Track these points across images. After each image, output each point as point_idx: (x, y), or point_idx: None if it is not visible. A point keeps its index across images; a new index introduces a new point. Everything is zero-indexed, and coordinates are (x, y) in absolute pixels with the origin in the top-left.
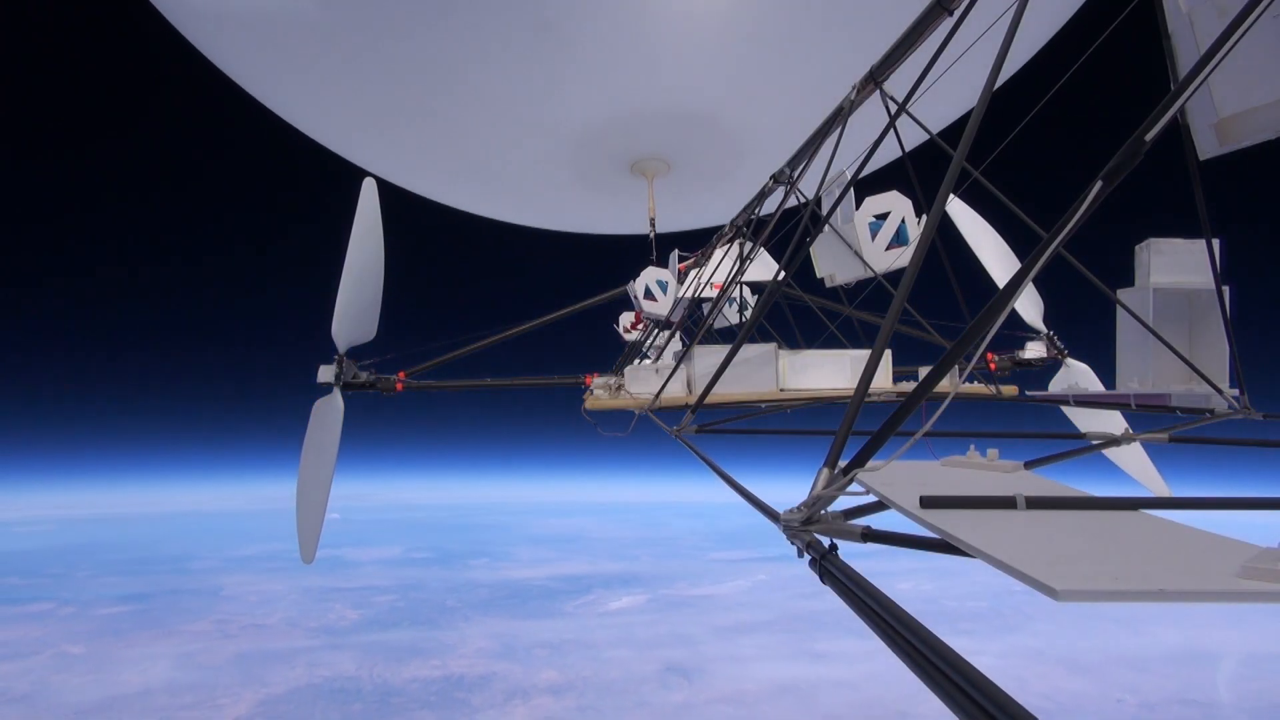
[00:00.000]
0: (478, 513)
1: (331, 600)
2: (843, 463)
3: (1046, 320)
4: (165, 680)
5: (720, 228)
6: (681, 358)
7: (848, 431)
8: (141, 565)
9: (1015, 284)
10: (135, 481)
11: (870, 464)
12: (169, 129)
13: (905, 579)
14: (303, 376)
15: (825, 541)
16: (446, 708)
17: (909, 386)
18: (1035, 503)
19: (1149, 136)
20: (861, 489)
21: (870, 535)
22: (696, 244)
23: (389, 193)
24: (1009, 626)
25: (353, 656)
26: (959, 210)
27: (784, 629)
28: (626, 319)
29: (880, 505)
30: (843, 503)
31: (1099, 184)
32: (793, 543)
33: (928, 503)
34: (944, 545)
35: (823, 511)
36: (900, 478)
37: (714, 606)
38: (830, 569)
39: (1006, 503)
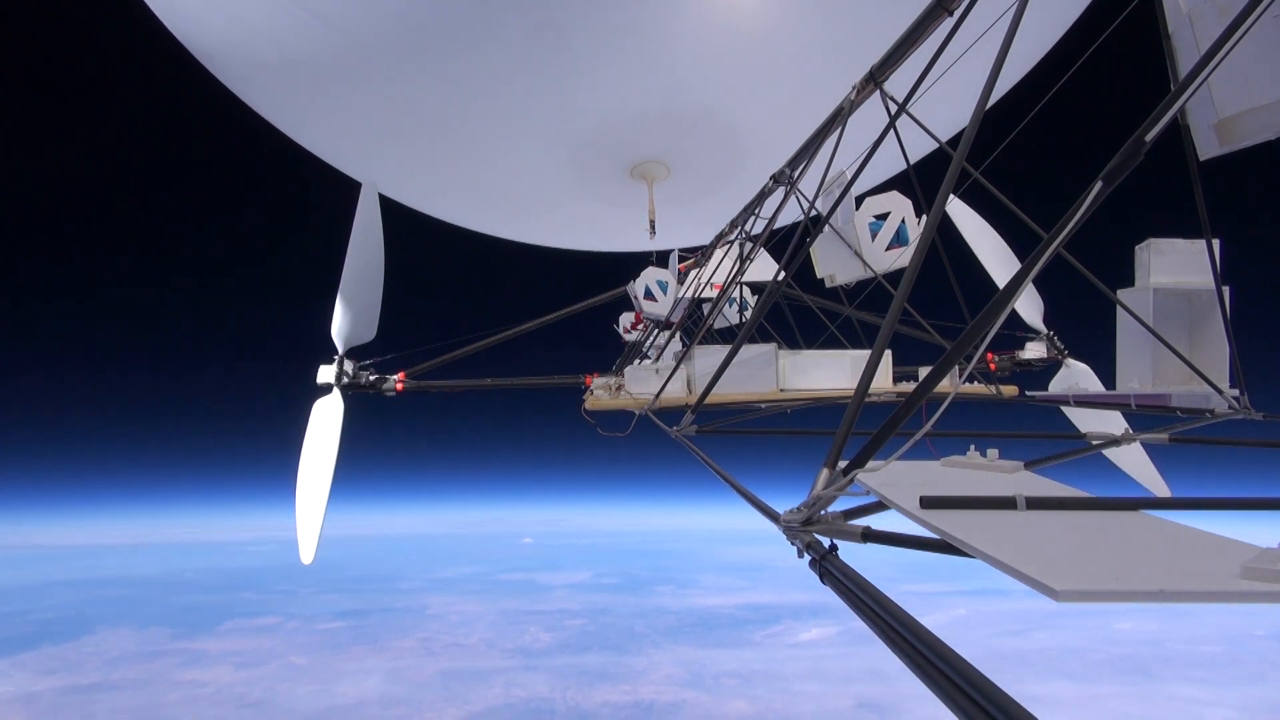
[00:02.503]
0: (664, 539)
1: (526, 623)
2: (843, 463)
3: (1046, 320)
4: (377, 693)
5: (719, 225)
6: (681, 358)
7: (848, 432)
8: (356, 584)
9: (1015, 284)
10: (352, 507)
11: (870, 464)
12: (172, 139)
13: (1128, 617)
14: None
15: (825, 542)
16: None
17: (909, 386)
18: (1035, 503)
19: (1149, 137)
20: (861, 489)
21: (870, 535)
22: (697, 248)
23: (388, 206)
24: (1250, 675)
25: (546, 679)
26: (959, 211)
27: (989, 669)
28: (626, 319)
29: (880, 505)
30: (843, 503)
31: (1099, 184)
32: (792, 543)
33: (928, 503)
34: (944, 546)
35: (823, 512)
36: (900, 478)
37: None
38: (830, 569)
39: (1007, 503)
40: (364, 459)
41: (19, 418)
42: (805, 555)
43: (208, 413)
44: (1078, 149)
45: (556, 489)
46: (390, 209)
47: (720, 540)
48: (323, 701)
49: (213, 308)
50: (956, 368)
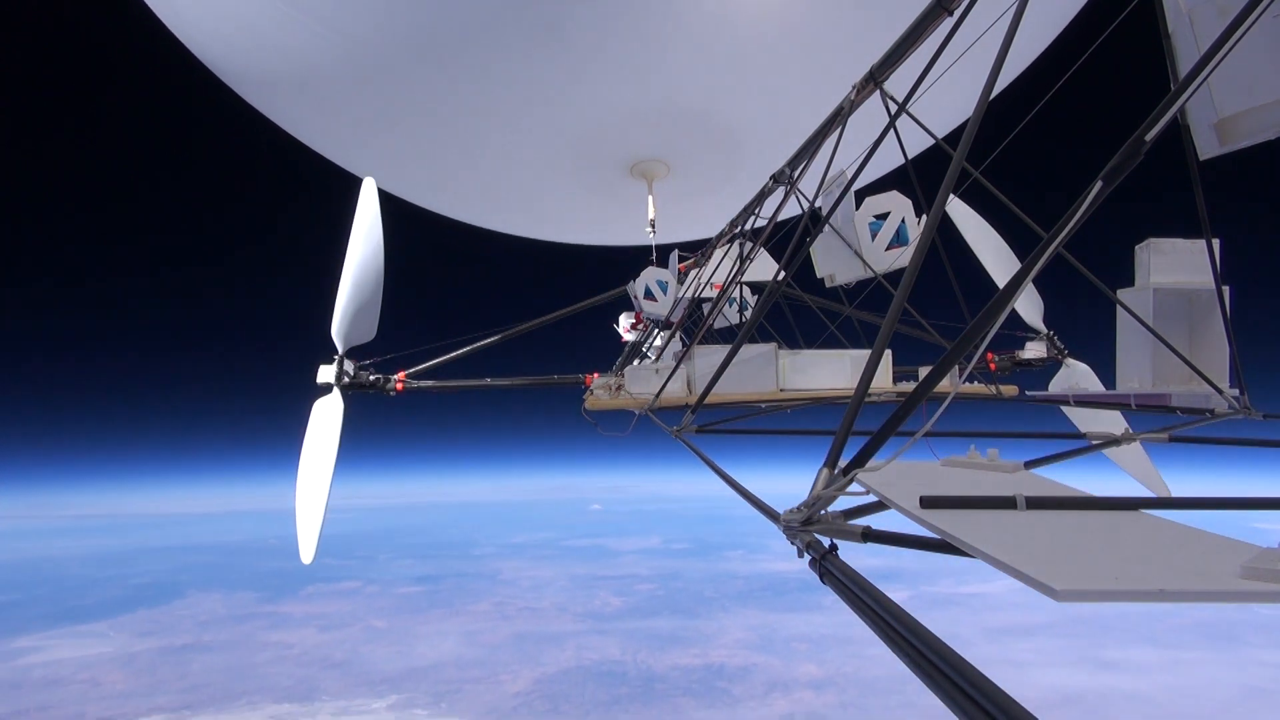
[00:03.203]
0: (732, 505)
1: (596, 587)
2: (843, 463)
3: (1046, 320)
4: (454, 655)
5: (719, 225)
6: (681, 358)
7: (848, 431)
8: (432, 550)
9: (1015, 284)
10: (426, 475)
11: (870, 464)
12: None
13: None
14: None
15: (825, 541)
16: (708, 696)
17: (909, 386)
18: (1035, 503)
19: (1149, 136)
20: (861, 489)
21: (870, 535)
22: (696, 247)
23: (388, 202)
24: None
25: (617, 642)
26: (959, 210)
27: (1065, 633)
28: (626, 319)
29: (880, 505)
30: (843, 503)
31: (1099, 184)
32: (793, 543)
33: (928, 503)
34: (944, 545)
35: (823, 511)
36: (900, 477)
37: (983, 606)
38: (830, 569)
39: (1007, 503)
40: (434, 428)
41: (118, 396)
42: (805, 555)
43: (284, 387)
44: (1078, 146)
45: (623, 456)
46: (390, 210)
47: (791, 504)
48: (402, 663)
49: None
50: (956, 368)
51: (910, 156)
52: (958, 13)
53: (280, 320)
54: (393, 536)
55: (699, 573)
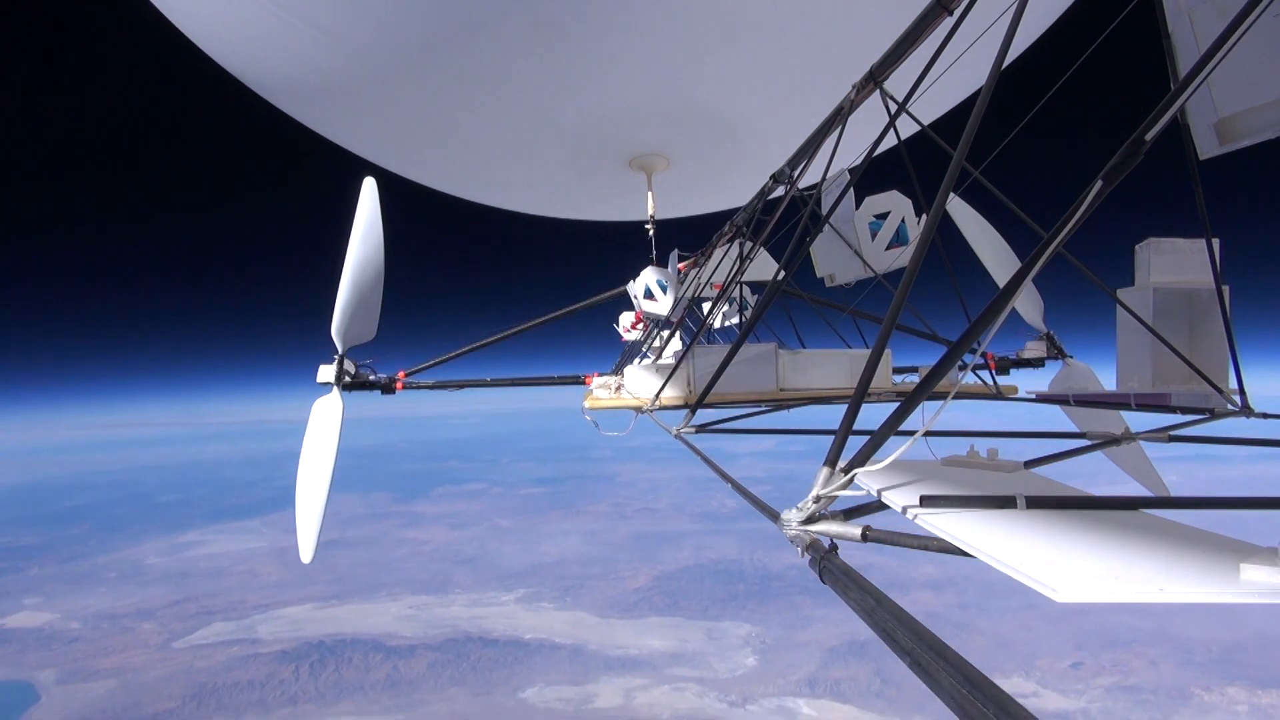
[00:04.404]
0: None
1: (711, 490)
2: (843, 462)
3: (1046, 320)
4: (576, 553)
5: (719, 223)
6: (681, 358)
7: (848, 431)
8: (552, 453)
9: (1015, 284)
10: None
11: (870, 463)
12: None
13: None
14: None
15: (825, 541)
16: (823, 595)
17: (908, 385)
18: (1035, 502)
19: (1149, 136)
20: (861, 489)
21: (870, 535)
22: (696, 239)
23: (387, 183)
24: None
25: (733, 542)
26: (959, 209)
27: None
28: (626, 319)
29: (881, 505)
30: (843, 502)
31: (1099, 184)
32: (793, 543)
33: (928, 502)
34: (944, 545)
35: (823, 511)
36: (900, 476)
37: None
38: (831, 569)
39: (1007, 502)
40: (551, 330)
41: (265, 310)
42: (806, 555)
43: (403, 293)
44: (1077, 139)
45: None
46: (390, 215)
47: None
48: (527, 560)
49: None
50: (956, 367)
51: (910, 154)
52: (958, 12)
53: None
54: (515, 440)
55: (813, 474)
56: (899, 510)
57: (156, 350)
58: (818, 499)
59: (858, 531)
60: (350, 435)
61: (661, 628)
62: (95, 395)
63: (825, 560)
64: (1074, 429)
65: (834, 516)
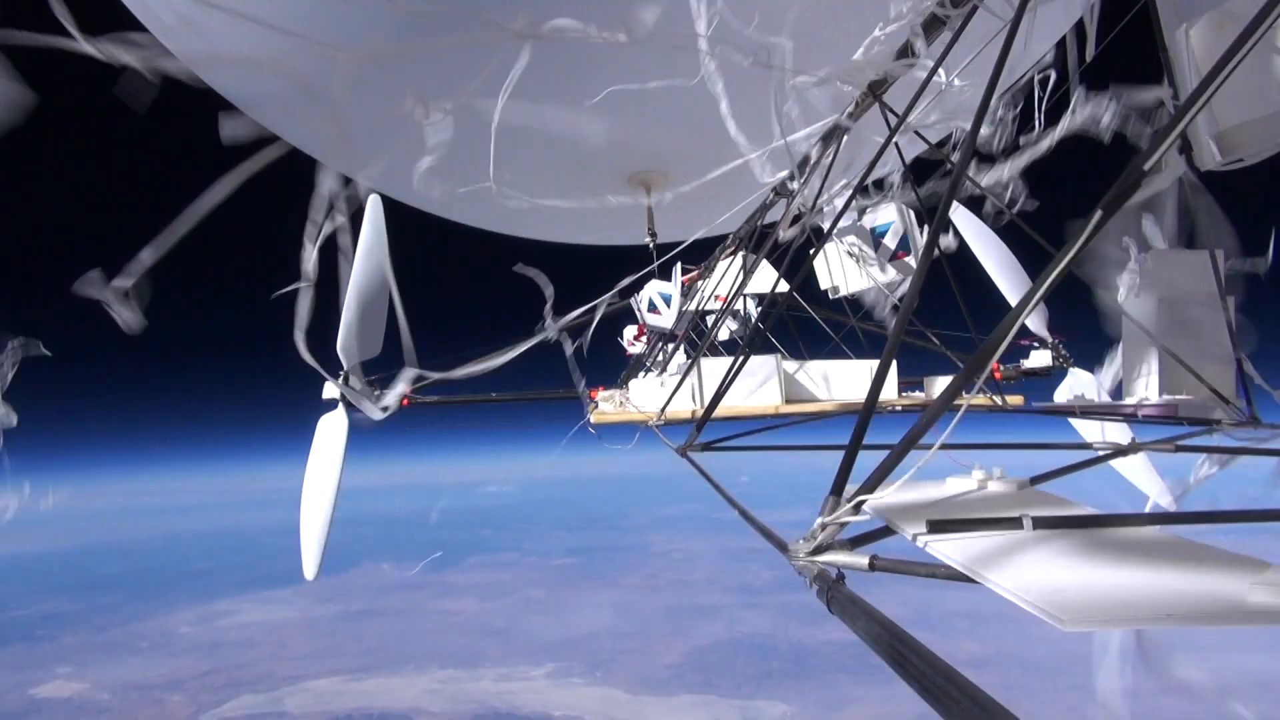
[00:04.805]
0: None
1: (747, 561)
2: (851, 487)
3: (1051, 329)
4: (608, 626)
5: (722, 239)
6: (686, 371)
7: (854, 457)
8: (584, 522)
9: (1023, 306)
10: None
11: (878, 489)
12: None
13: None
14: None
15: (833, 571)
16: (862, 673)
17: (915, 398)
18: (1042, 522)
19: (1147, 166)
20: (868, 513)
21: (878, 565)
22: (698, 254)
23: (392, 207)
24: None
25: (769, 616)
26: (962, 219)
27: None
28: (630, 332)
29: (888, 530)
30: (851, 527)
31: (1099, 214)
32: (800, 574)
33: (934, 527)
34: (951, 572)
35: (829, 540)
36: (907, 500)
37: None
38: (839, 598)
39: (1013, 523)
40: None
41: (295, 377)
42: (813, 586)
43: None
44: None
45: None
46: (393, 222)
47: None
48: (558, 632)
49: None
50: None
51: (911, 164)
52: (956, 25)
53: None
54: (547, 508)
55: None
56: (907, 537)
57: (197, 417)
58: (824, 527)
59: (865, 561)
60: (383, 503)
61: (694, 706)
62: (134, 462)
63: (833, 590)
64: (1079, 439)
65: (841, 545)
